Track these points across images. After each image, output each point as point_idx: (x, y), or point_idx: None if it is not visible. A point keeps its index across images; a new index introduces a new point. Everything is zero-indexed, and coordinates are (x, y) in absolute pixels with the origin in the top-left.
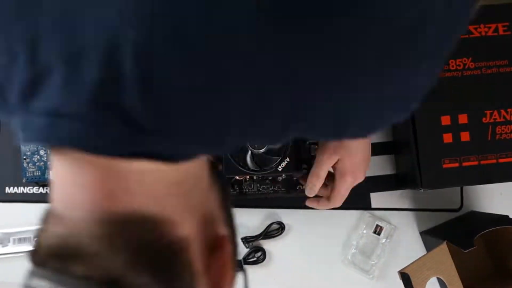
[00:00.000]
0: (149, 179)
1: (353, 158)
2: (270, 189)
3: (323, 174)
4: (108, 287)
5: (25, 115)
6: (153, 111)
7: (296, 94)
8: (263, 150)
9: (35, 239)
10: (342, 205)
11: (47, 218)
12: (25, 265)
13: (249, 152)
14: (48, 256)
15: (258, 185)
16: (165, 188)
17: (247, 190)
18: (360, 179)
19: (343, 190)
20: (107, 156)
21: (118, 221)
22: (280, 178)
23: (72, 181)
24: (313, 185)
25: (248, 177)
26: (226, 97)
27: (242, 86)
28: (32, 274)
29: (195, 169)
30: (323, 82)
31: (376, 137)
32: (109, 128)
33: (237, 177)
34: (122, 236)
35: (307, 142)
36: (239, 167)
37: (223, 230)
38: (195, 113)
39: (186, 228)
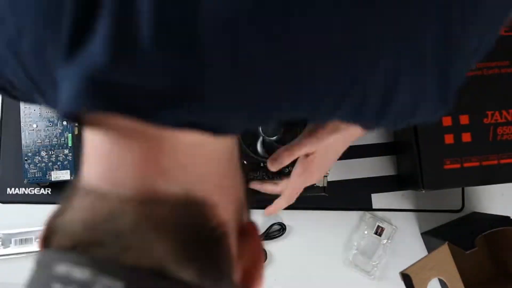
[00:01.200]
0: (198, 154)
1: (324, 159)
2: (276, 179)
3: (296, 155)
4: (155, 281)
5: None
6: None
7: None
8: (274, 138)
9: (48, 224)
10: (343, 205)
11: (72, 199)
12: (27, 266)
13: (261, 138)
14: (74, 240)
15: (264, 174)
16: (208, 166)
17: (252, 178)
18: (312, 182)
19: (298, 185)
20: (163, 125)
21: (169, 202)
22: (287, 170)
23: (115, 155)
24: (282, 160)
25: (257, 175)
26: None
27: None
28: (60, 259)
29: (231, 146)
30: None
31: (377, 138)
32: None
33: (245, 162)
34: (173, 221)
35: None
36: (249, 151)
37: (249, 217)
38: (262, 80)
39: (224, 212)
